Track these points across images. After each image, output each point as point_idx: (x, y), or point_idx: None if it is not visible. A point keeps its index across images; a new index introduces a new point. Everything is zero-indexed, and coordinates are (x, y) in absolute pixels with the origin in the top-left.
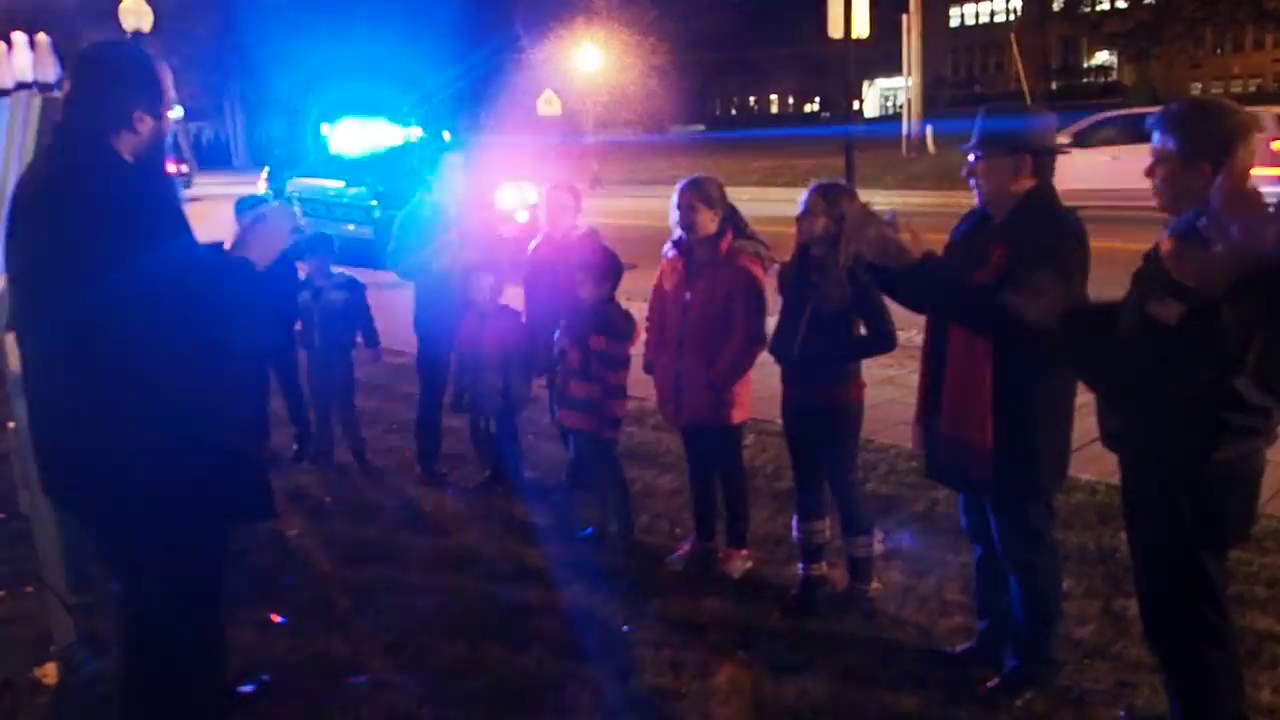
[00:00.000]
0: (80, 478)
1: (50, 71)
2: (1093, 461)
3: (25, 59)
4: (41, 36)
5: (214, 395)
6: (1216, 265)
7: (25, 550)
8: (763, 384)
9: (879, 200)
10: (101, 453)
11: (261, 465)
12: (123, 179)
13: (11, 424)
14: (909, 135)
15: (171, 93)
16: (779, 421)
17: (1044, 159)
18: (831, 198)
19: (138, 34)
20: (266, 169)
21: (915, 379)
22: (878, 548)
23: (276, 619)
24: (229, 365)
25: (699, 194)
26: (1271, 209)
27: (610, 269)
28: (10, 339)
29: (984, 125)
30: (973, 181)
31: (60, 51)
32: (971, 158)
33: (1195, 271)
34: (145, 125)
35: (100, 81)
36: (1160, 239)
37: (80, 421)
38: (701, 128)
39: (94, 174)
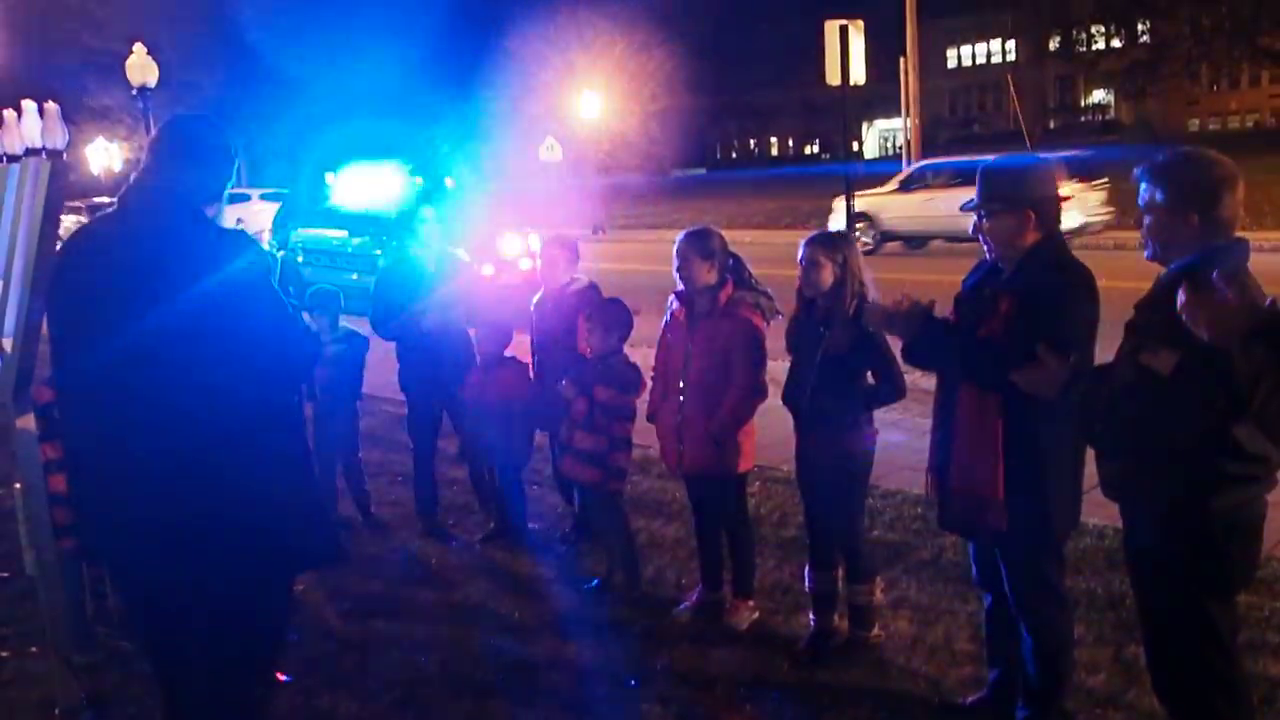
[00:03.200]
0: (147, 527)
1: (59, 138)
2: (1101, 505)
3: (35, 126)
4: (50, 105)
5: (287, 444)
6: (1231, 316)
7: (29, 610)
8: (767, 431)
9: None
10: (178, 500)
11: (326, 509)
12: (238, 244)
13: (18, 485)
14: None
15: None
16: (784, 468)
17: (1048, 210)
18: (832, 247)
19: (144, 89)
20: (271, 218)
21: (922, 422)
22: (879, 595)
23: (282, 677)
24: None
25: (694, 247)
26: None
27: (618, 320)
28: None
29: (984, 181)
30: (980, 236)
31: (68, 107)
32: (975, 216)
33: (1209, 322)
34: (224, 194)
35: (199, 159)
36: (1155, 291)
37: (156, 471)
38: (702, 171)
39: (211, 242)
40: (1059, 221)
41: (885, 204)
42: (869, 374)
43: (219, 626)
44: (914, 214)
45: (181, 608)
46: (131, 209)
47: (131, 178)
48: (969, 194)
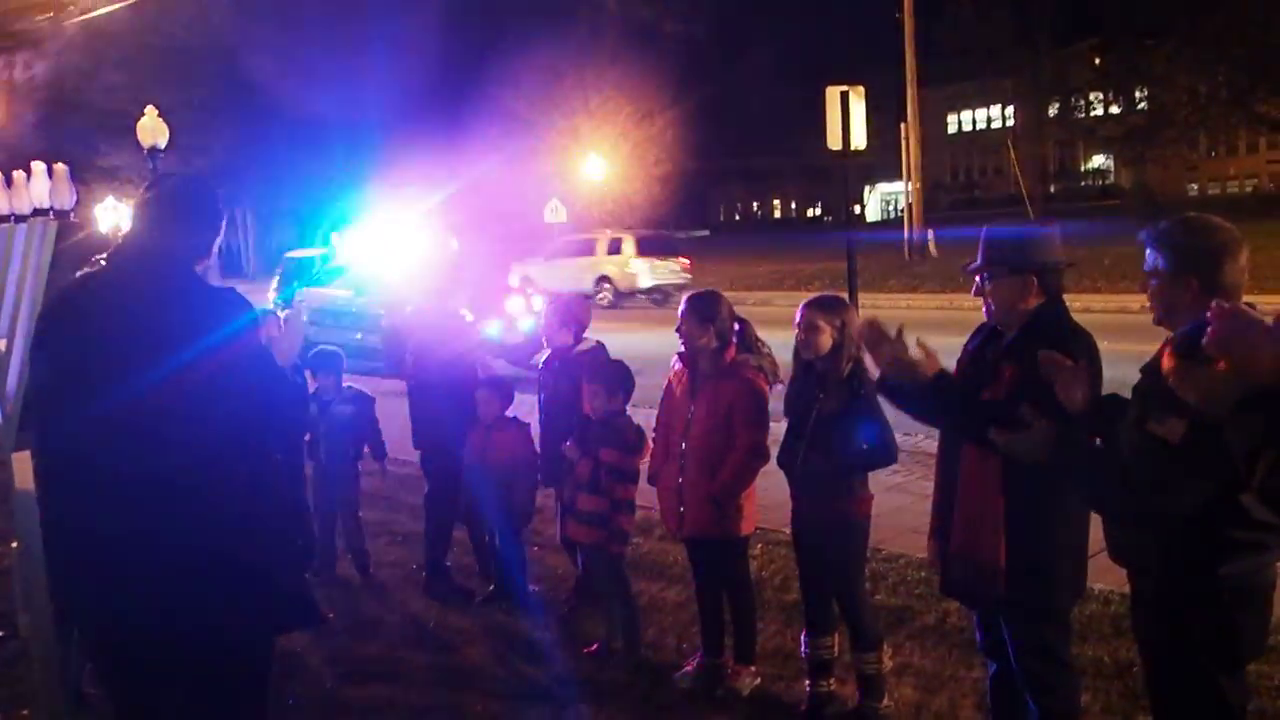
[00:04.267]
0: (135, 597)
1: (66, 199)
2: (1107, 571)
3: (43, 187)
4: (59, 166)
5: (270, 505)
6: (1219, 384)
7: (21, 671)
8: (769, 493)
9: (883, 303)
10: (168, 566)
11: (300, 571)
12: (224, 301)
13: (15, 543)
14: (911, 239)
15: None
16: (785, 531)
17: (1050, 276)
18: (831, 311)
19: (154, 150)
20: (277, 278)
21: (923, 485)
22: (888, 663)
23: None
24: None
25: (694, 311)
26: (1268, 325)
27: (621, 382)
28: (16, 458)
29: (988, 245)
30: (982, 299)
31: (79, 167)
32: (978, 279)
33: (1198, 390)
34: (215, 250)
35: (188, 218)
36: (1164, 352)
37: (139, 535)
38: (706, 233)
39: (197, 298)
40: (1061, 287)
41: (540, 270)
42: (861, 439)
43: (196, 689)
44: (557, 278)
45: (160, 668)
46: (121, 267)
47: (121, 236)
48: (586, 261)
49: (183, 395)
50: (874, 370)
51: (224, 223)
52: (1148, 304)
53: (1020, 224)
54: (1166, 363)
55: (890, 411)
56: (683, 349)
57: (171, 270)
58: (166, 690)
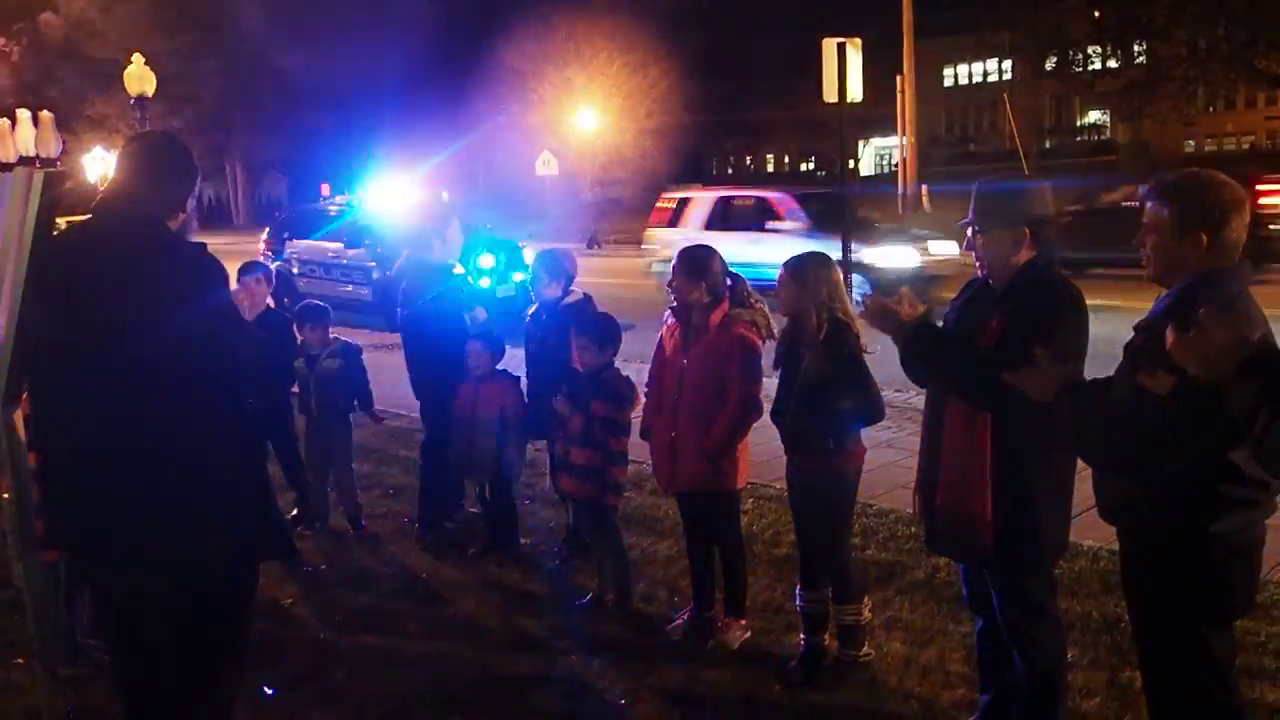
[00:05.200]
0: (119, 525)
1: (52, 147)
2: (1094, 527)
3: (28, 135)
4: (45, 114)
5: (231, 442)
6: (1220, 355)
7: (16, 621)
8: (760, 448)
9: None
10: (149, 499)
11: (273, 504)
12: (191, 256)
13: (5, 494)
14: (905, 194)
15: None
16: (777, 486)
17: (1042, 230)
18: (799, 269)
19: (141, 98)
20: (267, 230)
21: (914, 441)
22: (867, 615)
23: (269, 691)
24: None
25: (685, 266)
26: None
27: (610, 335)
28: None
29: (980, 198)
30: (974, 253)
31: (66, 116)
32: (970, 231)
33: (1200, 360)
34: (189, 205)
35: (161, 173)
36: (1155, 313)
37: (124, 470)
38: (699, 187)
39: (166, 252)
40: (1052, 242)
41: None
42: (846, 399)
43: (177, 616)
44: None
45: (136, 591)
46: (99, 221)
47: (104, 189)
48: None
49: (150, 345)
50: (860, 330)
51: (198, 178)
52: (1143, 260)
53: (1014, 178)
54: (1169, 338)
55: (879, 370)
56: (674, 304)
57: (143, 225)
58: (151, 611)
